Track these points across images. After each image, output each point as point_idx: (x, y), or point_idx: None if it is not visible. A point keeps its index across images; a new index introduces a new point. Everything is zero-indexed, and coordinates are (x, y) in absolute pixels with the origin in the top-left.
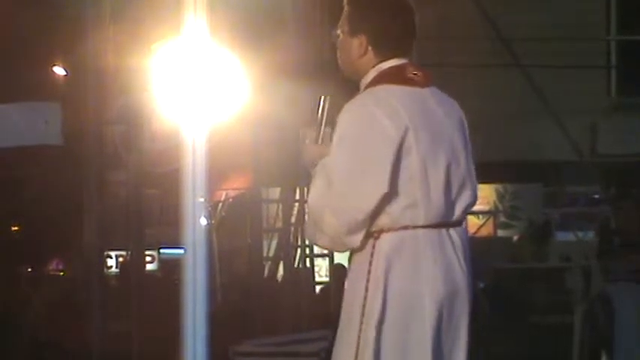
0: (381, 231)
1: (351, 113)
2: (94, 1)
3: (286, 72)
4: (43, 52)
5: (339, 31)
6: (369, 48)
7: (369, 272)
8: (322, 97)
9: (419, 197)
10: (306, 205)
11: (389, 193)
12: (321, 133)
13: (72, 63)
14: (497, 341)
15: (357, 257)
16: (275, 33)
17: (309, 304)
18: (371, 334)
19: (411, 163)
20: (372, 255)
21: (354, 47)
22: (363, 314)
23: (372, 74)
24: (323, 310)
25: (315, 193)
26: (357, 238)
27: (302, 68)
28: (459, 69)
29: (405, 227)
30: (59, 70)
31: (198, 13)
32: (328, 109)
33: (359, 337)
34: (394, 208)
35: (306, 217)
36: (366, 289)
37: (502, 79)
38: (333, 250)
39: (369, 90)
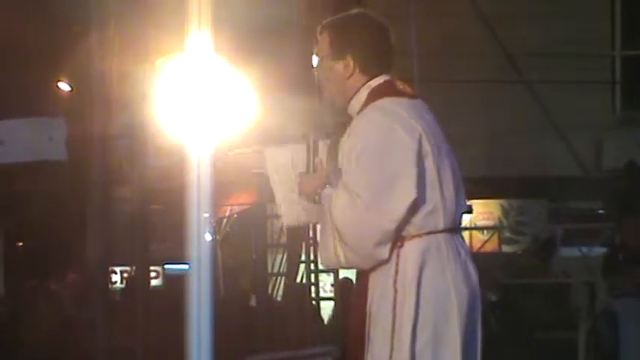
0: (404, 239)
1: (366, 127)
2: (98, 17)
3: (291, 87)
4: (48, 69)
5: (317, 58)
6: (356, 68)
7: (395, 281)
8: (311, 140)
9: (438, 202)
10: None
11: (416, 199)
12: (312, 164)
13: (76, 79)
14: (502, 357)
15: (377, 270)
16: (280, 48)
17: (314, 319)
18: (406, 337)
19: (429, 169)
20: (397, 264)
21: (340, 70)
22: (393, 322)
23: (363, 92)
24: (327, 326)
25: (341, 210)
26: (386, 249)
27: (307, 83)
28: (464, 85)
29: (429, 233)
30: (64, 86)
31: (202, 28)
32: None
33: (392, 342)
34: (418, 215)
35: (320, 242)
36: (394, 298)
37: (507, 94)
38: (360, 267)
39: (372, 105)
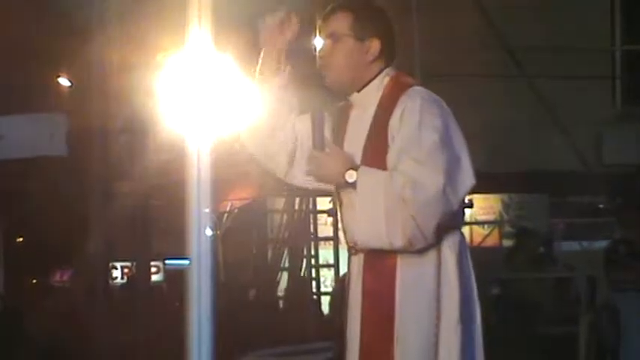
0: (445, 228)
1: (428, 109)
2: (98, 12)
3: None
4: (48, 64)
5: (329, 39)
6: (382, 53)
7: (438, 273)
8: (317, 113)
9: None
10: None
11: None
12: (322, 140)
13: (77, 74)
14: (502, 351)
15: (413, 256)
16: None
17: (314, 314)
18: (454, 332)
19: None
20: (439, 253)
21: (363, 51)
22: (438, 315)
23: (382, 79)
24: (328, 321)
25: (419, 188)
26: (438, 232)
27: (307, 77)
28: (465, 79)
29: (458, 227)
30: (64, 82)
31: (202, 23)
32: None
33: (436, 335)
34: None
35: (361, 221)
36: (438, 291)
37: (507, 89)
38: (409, 249)
39: (415, 90)
